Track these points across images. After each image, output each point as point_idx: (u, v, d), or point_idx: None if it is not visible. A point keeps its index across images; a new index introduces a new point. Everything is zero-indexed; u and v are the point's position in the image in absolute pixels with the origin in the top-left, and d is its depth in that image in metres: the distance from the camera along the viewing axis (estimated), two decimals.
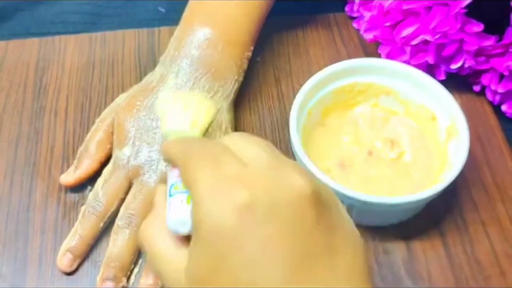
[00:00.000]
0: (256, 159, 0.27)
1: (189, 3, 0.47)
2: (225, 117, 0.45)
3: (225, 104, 0.45)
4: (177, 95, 0.40)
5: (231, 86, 0.45)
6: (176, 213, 0.28)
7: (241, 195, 0.25)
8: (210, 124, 0.42)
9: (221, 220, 0.25)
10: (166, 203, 0.29)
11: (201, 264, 0.26)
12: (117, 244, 0.39)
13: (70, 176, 0.43)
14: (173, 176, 0.30)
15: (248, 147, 0.28)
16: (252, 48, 0.47)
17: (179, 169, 0.29)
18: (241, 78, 0.46)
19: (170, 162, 0.31)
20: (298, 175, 0.27)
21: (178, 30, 0.46)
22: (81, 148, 0.44)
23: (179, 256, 0.28)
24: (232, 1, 0.46)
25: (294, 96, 0.42)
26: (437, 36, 0.45)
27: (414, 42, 0.46)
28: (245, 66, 0.47)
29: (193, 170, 0.27)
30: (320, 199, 0.26)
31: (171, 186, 0.30)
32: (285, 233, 0.25)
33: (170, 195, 0.29)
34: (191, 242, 0.27)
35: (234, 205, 0.25)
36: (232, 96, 0.46)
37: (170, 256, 0.28)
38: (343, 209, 0.28)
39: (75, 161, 0.44)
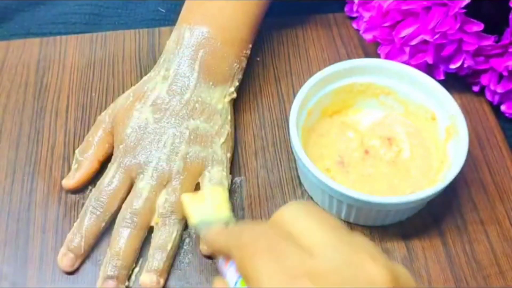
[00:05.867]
0: (322, 245, 0.24)
1: (186, 3, 0.48)
2: (224, 117, 0.45)
3: (225, 104, 0.45)
4: (188, 195, 0.40)
5: (230, 85, 0.46)
6: None
7: None
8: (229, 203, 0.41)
9: None
10: None
11: None
12: (119, 243, 0.39)
13: (71, 179, 0.43)
14: (232, 271, 0.28)
15: (310, 228, 0.25)
16: (250, 46, 0.47)
17: (235, 264, 0.27)
18: (240, 76, 0.46)
19: (221, 254, 0.29)
20: (374, 263, 0.23)
21: (175, 29, 0.46)
22: (80, 147, 0.44)
23: None
24: (229, 1, 0.46)
25: (294, 96, 0.43)
26: (436, 36, 0.45)
27: (413, 43, 0.47)
28: (244, 64, 0.47)
29: (253, 266, 0.24)
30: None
31: (237, 281, 0.28)
32: None
33: None
34: None
35: None
36: (231, 95, 0.46)
37: None
38: None
39: (73, 163, 0.44)
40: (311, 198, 0.44)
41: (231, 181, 0.44)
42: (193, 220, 0.36)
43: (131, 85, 0.48)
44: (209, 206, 0.37)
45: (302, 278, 0.23)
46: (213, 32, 0.45)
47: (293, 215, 0.26)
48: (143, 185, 0.41)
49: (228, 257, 0.29)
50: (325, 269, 0.23)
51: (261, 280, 0.24)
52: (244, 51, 0.46)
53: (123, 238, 0.39)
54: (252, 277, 0.24)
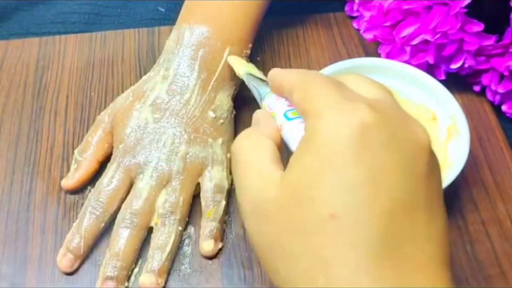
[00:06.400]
0: (380, 98, 0.27)
1: (185, 3, 0.47)
2: (228, 109, 0.45)
3: (226, 101, 0.45)
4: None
5: (230, 85, 0.45)
6: (300, 133, 0.27)
7: (368, 115, 0.24)
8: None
9: (341, 133, 0.24)
10: (270, 121, 0.30)
11: (304, 173, 0.25)
12: (118, 244, 0.39)
13: (70, 180, 0.43)
14: (283, 104, 0.29)
15: (372, 87, 0.27)
16: (250, 45, 0.47)
17: (292, 96, 0.28)
18: (240, 77, 0.46)
19: (279, 90, 0.30)
20: (422, 127, 0.26)
21: (175, 29, 0.46)
22: (79, 147, 0.44)
23: (270, 168, 0.27)
24: (229, 0, 0.46)
25: None
26: (437, 36, 0.45)
27: (414, 42, 0.46)
28: None
29: (315, 89, 0.26)
30: (435, 158, 0.26)
31: (286, 112, 0.29)
32: (399, 168, 0.24)
33: (289, 119, 0.29)
34: (296, 153, 0.26)
35: (358, 121, 0.24)
36: (231, 94, 0.46)
37: (261, 166, 0.27)
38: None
39: (72, 163, 0.44)
40: None
41: (231, 181, 0.44)
42: (243, 71, 0.39)
43: (131, 85, 0.48)
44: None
45: (360, 103, 0.25)
46: (213, 32, 0.45)
47: (358, 78, 0.28)
48: (143, 185, 0.41)
49: (281, 94, 0.30)
50: (382, 105, 0.25)
51: (320, 98, 0.26)
52: (244, 51, 0.46)
53: (122, 238, 0.39)
54: (311, 97, 0.26)
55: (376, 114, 0.25)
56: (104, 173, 0.42)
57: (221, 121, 0.44)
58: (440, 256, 0.25)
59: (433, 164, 0.26)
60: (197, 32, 0.45)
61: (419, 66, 0.47)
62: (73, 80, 0.50)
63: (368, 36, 0.51)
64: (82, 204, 0.42)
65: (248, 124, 0.47)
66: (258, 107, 0.49)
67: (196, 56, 0.44)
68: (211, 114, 0.44)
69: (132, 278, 0.39)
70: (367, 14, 0.51)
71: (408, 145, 0.25)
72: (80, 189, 0.43)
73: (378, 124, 0.24)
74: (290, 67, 0.52)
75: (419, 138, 0.25)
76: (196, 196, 0.42)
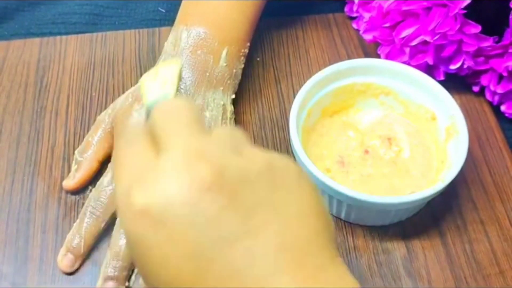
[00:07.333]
0: (171, 144, 0.25)
1: (183, 3, 0.47)
2: (224, 118, 0.45)
3: (225, 102, 0.45)
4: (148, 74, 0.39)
5: (229, 84, 0.46)
6: None
7: (137, 199, 0.24)
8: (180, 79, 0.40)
9: (125, 226, 0.25)
10: None
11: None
12: (119, 243, 0.39)
13: (71, 180, 0.43)
14: None
15: (170, 127, 0.26)
16: (248, 44, 0.47)
17: None
18: (239, 76, 0.46)
19: None
20: (203, 162, 0.24)
21: (172, 31, 0.46)
22: (79, 148, 0.44)
23: None
24: (226, 1, 0.46)
25: (294, 96, 0.43)
26: (436, 37, 0.45)
27: (413, 43, 0.47)
28: (242, 63, 0.47)
29: (114, 155, 0.27)
30: (226, 184, 0.24)
31: None
32: (183, 232, 0.24)
33: None
34: None
35: (131, 210, 0.24)
36: (231, 94, 0.46)
37: None
38: (283, 178, 0.26)
39: (73, 164, 0.44)
40: None
41: None
42: (144, 102, 0.34)
43: (131, 85, 0.48)
44: (157, 86, 0.35)
45: (134, 183, 0.25)
46: (209, 33, 0.45)
47: (162, 114, 0.27)
48: None
49: None
50: (157, 171, 0.24)
51: (116, 180, 0.26)
52: (242, 50, 0.46)
53: (123, 238, 0.39)
54: (114, 173, 0.27)
55: (143, 193, 0.24)
56: (104, 173, 0.42)
57: (220, 122, 0.44)
58: (286, 261, 0.24)
59: (224, 193, 0.24)
60: (194, 33, 0.45)
61: (418, 67, 0.47)
62: (74, 80, 0.50)
63: (368, 37, 0.51)
64: (83, 204, 0.42)
65: (247, 124, 0.48)
66: (259, 108, 0.49)
67: (193, 57, 0.44)
68: (207, 115, 0.44)
69: (133, 277, 0.39)
70: (366, 15, 0.51)
71: (182, 204, 0.24)
72: (81, 189, 0.43)
73: (146, 206, 0.24)
74: (290, 67, 0.52)
75: (194, 183, 0.24)
76: None
